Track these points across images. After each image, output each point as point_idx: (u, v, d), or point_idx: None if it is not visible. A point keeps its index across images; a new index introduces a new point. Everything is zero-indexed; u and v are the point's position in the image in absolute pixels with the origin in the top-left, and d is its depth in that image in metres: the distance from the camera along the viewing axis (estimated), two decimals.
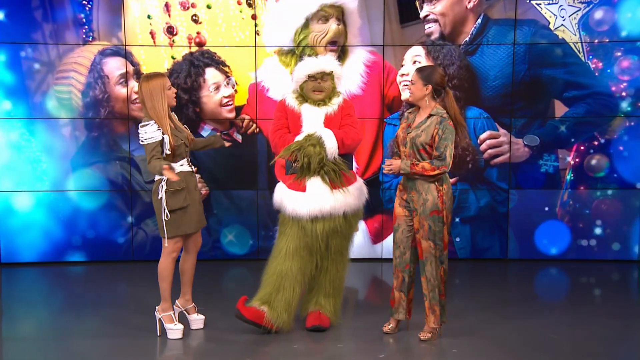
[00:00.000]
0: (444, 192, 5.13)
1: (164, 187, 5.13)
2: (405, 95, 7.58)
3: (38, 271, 7.54)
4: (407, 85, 7.48)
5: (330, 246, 5.44)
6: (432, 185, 5.11)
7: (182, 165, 5.19)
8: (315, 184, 5.33)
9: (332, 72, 5.54)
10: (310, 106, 5.49)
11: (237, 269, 7.56)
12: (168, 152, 5.07)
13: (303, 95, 5.55)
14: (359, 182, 5.58)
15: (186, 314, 5.49)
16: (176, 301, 5.52)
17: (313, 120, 5.43)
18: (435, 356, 5.10)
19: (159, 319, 5.35)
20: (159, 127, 5.06)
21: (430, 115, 5.13)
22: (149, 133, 5.06)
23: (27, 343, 5.37)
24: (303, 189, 5.34)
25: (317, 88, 5.47)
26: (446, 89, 5.20)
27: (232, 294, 6.48)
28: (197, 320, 5.47)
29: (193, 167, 5.31)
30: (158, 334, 5.36)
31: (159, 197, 5.16)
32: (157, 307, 5.36)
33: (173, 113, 5.36)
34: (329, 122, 5.45)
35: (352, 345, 5.32)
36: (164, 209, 5.13)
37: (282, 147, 5.40)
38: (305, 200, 5.32)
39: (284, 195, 5.45)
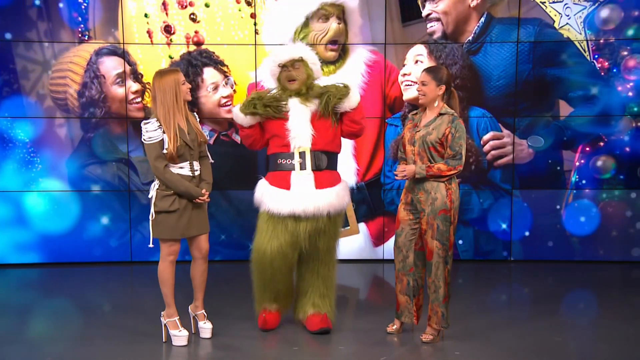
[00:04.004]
0: (453, 191, 5.07)
1: (156, 187, 5.02)
2: (407, 95, 7.48)
3: (34, 272, 7.45)
4: (409, 85, 7.43)
5: (319, 247, 5.34)
6: (442, 184, 5.04)
7: (182, 168, 5.04)
8: (299, 182, 5.24)
9: (302, 58, 5.34)
10: (296, 102, 5.31)
11: (236, 272, 7.45)
12: (165, 151, 4.93)
13: (284, 89, 5.40)
14: (344, 184, 5.47)
15: (197, 320, 5.34)
16: (189, 306, 5.40)
17: (299, 118, 5.27)
18: (437, 358, 4.99)
19: (165, 325, 5.22)
20: (160, 125, 4.93)
21: (440, 114, 5.07)
22: (149, 132, 4.95)
23: (23, 347, 5.23)
24: (287, 187, 5.25)
25: (289, 77, 5.31)
26: (451, 88, 5.17)
27: (233, 297, 6.39)
28: (204, 328, 5.30)
29: (196, 171, 5.13)
30: (164, 340, 5.23)
31: (149, 195, 5.09)
32: (162, 313, 5.23)
33: (195, 114, 5.25)
34: (315, 120, 5.30)
35: (354, 347, 5.21)
36: (151, 209, 5.03)
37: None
38: (288, 198, 5.22)
39: (265, 192, 5.35)
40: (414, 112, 5.31)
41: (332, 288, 5.53)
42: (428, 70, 5.17)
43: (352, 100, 5.27)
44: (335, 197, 5.29)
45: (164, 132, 4.93)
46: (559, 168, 7.64)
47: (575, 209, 7.67)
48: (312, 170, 5.25)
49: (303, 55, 5.35)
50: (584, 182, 7.63)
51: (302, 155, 5.23)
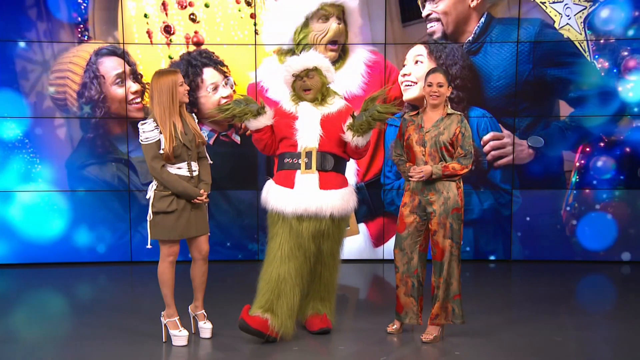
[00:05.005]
0: (462, 190, 5.15)
1: (154, 187, 5.01)
2: (407, 95, 7.47)
3: (33, 272, 7.44)
4: (409, 85, 7.42)
5: (322, 250, 5.30)
6: (453, 184, 5.09)
7: (180, 169, 5.02)
8: (303, 181, 5.19)
9: (316, 67, 5.30)
10: (307, 105, 5.29)
11: (236, 272, 7.44)
12: (162, 151, 4.92)
13: (298, 96, 5.36)
14: (350, 188, 5.41)
15: (197, 320, 5.33)
16: (189, 306, 5.39)
17: (308, 119, 5.23)
18: (437, 358, 4.98)
19: (165, 325, 5.21)
20: (157, 125, 4.91)
21: (448, 115, 5.11)
22: (146, 133, 4.94)
23: (22, 346, 5.22)
24: (291, 186, 5.20)
25: (304, 87, 5.28)
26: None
27: (233, 297, 6.39)
28: (204, 328, 5.29)
29: (195, 172, 5.11)
30: (164, 340, 5.22)
31: (147, 196, 5.06)
32: (162, 313, 5.22)
33: (193, 115, 5.22)
34: (325, 123, 5.23)
35: (354, 347, 5.20)
36: (149, 209, 5.01)
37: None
38: (291, 197, 5.17)
39: (270, 191, 5.30)
40: (412, 113, 5.29)
41: (333, 292, 5.51)
42: (442, 71, 5.18)
43: (363, 140, 5.20)
44: (340, 200, 5.22)
45: (160, 133, 4.92)
46: (559, 168, 7.63)
47: (575, 209, 7.67)
48: (317, 170, 5.21)
49: (317, 64, 5.31)
50: (584, 182, 7.63)
51: (308, 155, 5.19)
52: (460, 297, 5.19)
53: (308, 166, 5.20)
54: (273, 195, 5.25)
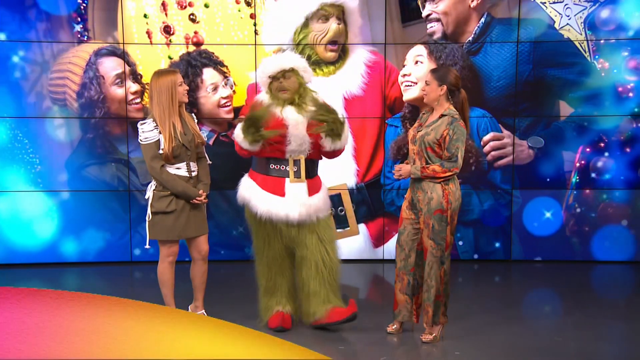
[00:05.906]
0: (450, 192, 5.06)
1: (153, 187, 5.01)
2: (407, 95, 7.46)
3: (33, 272, 7.44)
4: (409, 85, 7.41)
5: (322, 239, 5.37)
6: (438, 185, 5.05)
7: (179, 169, 5.04)
8: (294, 189, 5.26)
9: (293, 68, 5.30)
10: (292, 111, 5.26)
11: (236, 272, 7.44)
12: (161, 152, 4.92)
13: (275, 97, 5.33)
14: (325, 187, 5.53)
15: None
16: (189, 306, 5.37)
17: (298, 130, 5.23)
18: (437, 358, 5.00)
19: None
20: (156, 125, 4.91)
21: (442, 115, 5.07)
22: (146, 133, 4.96)
23: None
24: (282, 194, 5.25)
25: (280, 88, 5.27)
26: (460, 90, 5.15)
27: (232, 297, 6.39)
28: None
29: (194, 172, 5.11)
30: None
31: (146, 196, 5.08)
32: None
33: (192, 115, 5.22)
34: (310, 130, 5.26)
35: (354, 347, 5.22)
36: (148, 209, 5.03)
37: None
38: (282, 205, 5.25)
39: (257, 197, 5.32)
40: (425, 111, 5.32)
41: (339, 277, 5.48)
42: (432, 70, 5.22)
43: (342, 142, 5.32)
44: (323, 202, 5.39)
45: (160, 133, 4.92)
46: (559, 169, 7.62)
47: (575, 209, 7.66)
48: (306, 178, 5.30)
49: (293, 65, 5.32)
50: (585, 182, 7.63)
51: (296, 163, 5.26)
52: (440, 300, 5.14)
53: (297, 175, 5.28)
54: (262, 202, 5.29)
